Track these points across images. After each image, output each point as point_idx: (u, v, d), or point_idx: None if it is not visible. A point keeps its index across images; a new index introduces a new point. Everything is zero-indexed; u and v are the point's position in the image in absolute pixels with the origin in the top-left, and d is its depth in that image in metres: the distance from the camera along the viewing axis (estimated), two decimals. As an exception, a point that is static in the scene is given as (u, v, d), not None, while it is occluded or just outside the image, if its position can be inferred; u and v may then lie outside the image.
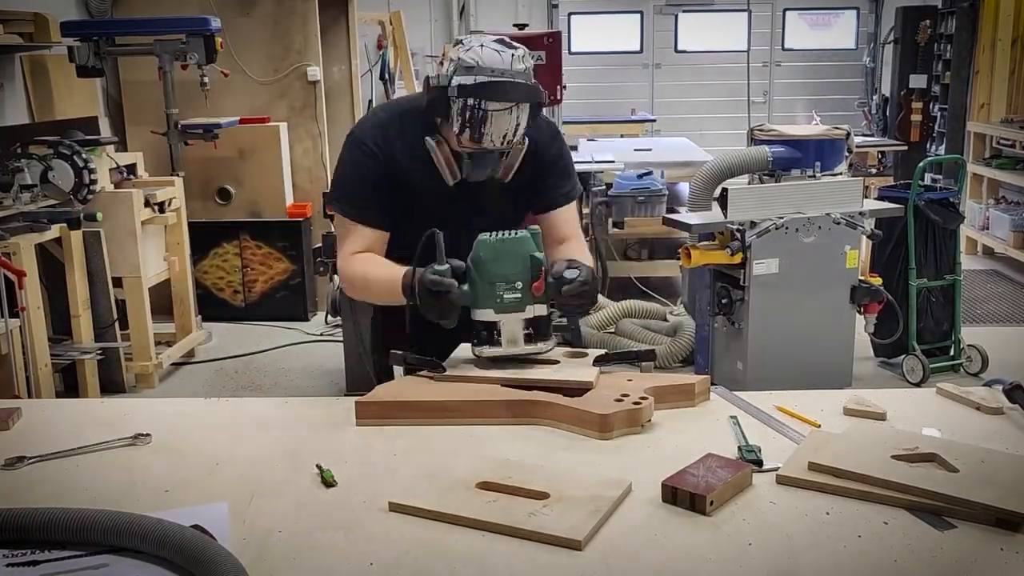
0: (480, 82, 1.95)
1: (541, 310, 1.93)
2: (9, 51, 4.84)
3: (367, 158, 2.13)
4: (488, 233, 1.94)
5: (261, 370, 5.10)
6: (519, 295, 1.90)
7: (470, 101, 1.95)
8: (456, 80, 1.96)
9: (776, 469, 1.52)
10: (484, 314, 1.92)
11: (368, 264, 2.14)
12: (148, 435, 1.72)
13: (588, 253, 2.28)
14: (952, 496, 1.38)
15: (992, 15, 7.80)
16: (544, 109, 2.19)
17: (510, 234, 1.93)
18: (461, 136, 2.01)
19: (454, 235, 1.98)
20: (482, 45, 1.99)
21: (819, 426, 1.72)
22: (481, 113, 1.96)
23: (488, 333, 1.93)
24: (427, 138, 2.07)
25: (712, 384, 1.92)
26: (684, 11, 10.32)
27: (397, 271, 2.01)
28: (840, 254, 4.03)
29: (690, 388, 1.85)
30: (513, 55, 2.00)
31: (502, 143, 2.02)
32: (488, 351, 1.93)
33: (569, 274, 1.89)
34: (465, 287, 1.91)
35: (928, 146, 8.85)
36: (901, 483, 1.42)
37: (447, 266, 1.92)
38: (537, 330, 1.94)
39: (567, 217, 2.29)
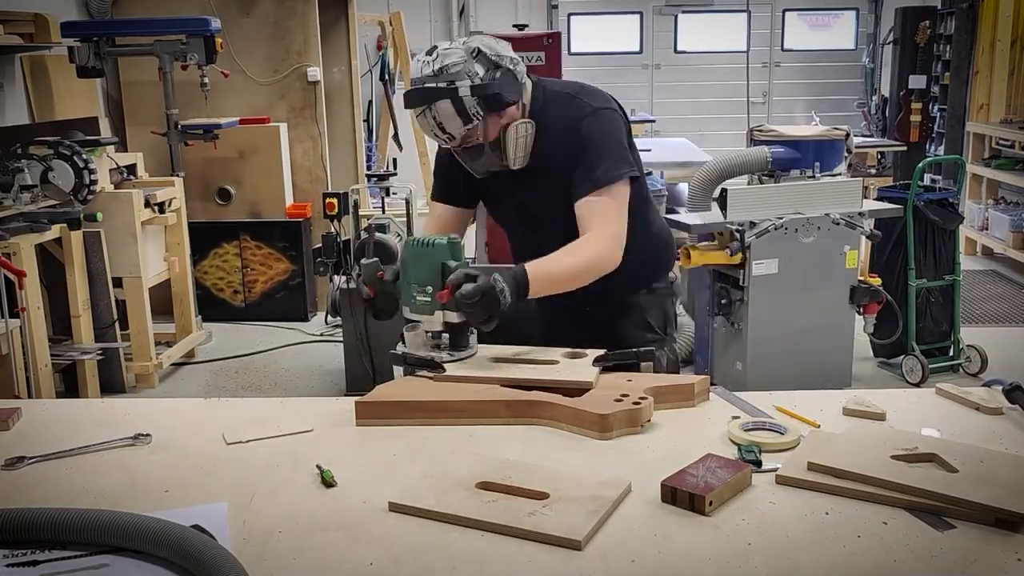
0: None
1: (453, 318, 1.97)
2: (9, 51, 4.84)
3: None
4: (414, 237, 2.06)
5: (261, 370, 5.10)
6: (428, 299, 1.98)
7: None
8: None
9: (776, 469, 1.52)
10: (406, 311, 2.05)
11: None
12: (148, 435, 1.73)
13: (596, 249, 2.13)
14: (951, 496, 1.38)
15: (991, 16, 7.80)
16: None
17: (430, 240, 2.00)
18: None
19: (524, 221, 2.32)
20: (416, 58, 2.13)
21: (818, 426, 1.72)
22: (417, 120, 2.12)
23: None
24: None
25: (712, 384, 1.92)
26: (684, 12, 10.32)
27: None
28: (839, 254, 4.04)
29: (689, 388, 1.85)
30: (423, 61, 2.07)
31: (444, 141, 2.13)
32: (399, 348, 2.06)
33: (466, 287, 1.91)
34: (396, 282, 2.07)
35: (927, 146, 8.85)
36: (900, 483, 1.42)
37: (375, 260, 2.16)
38: (453, 339, 2.01)
39: (587, 210, 2.15)
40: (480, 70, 2.06)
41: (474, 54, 2.07)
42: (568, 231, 2.15)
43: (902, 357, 4.67)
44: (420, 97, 2.06)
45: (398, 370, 1.98)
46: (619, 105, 2.28)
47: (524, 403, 1.78)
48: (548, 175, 2.20)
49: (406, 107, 2.12)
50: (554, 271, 2.08)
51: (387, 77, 8.02)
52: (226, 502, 1.43)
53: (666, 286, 2.45)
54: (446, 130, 2.08)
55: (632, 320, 2.34)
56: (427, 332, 2.02)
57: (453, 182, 2.33)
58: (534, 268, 2.04)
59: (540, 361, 1.95)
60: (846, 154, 4.52)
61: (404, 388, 1.89)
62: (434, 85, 2.04)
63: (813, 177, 4.30)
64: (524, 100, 2.19)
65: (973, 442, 1.61)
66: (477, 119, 2.07)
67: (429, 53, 2.08)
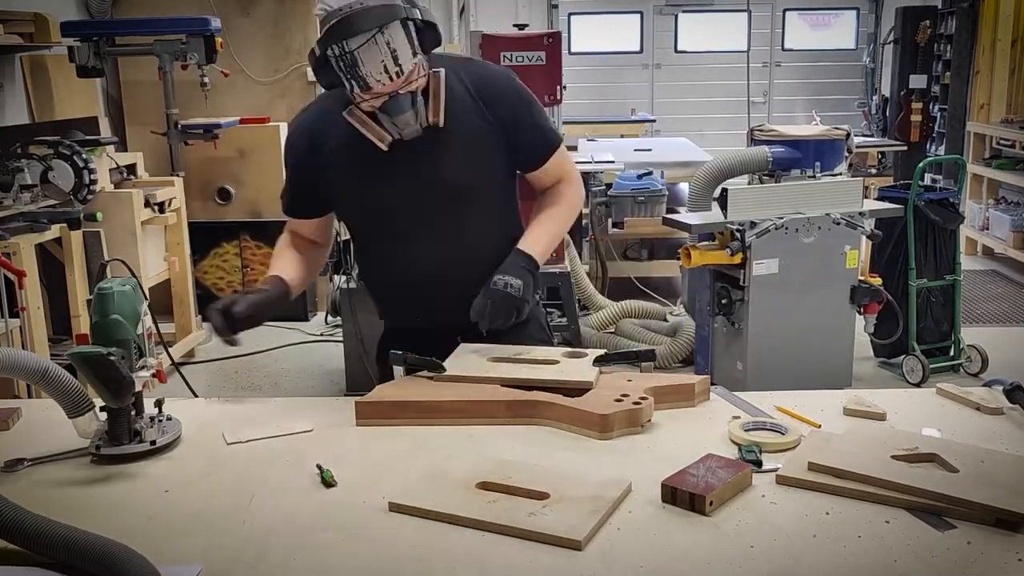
0: (329, 27, 1.82)
1: None
2: (9, 51, 4.84)
3: (292, 156, 2.24)
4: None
5: (261, 370, 5.10)
6: None
7: (335, 51, 1.83)
8: (320, 42, 1.86)
9: (776, 469, 1.52)
10: None
11: (278, 251, 2.33)
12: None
13: (579, 187, 2.23)
14: (952, 496, 1.38)
15: (992, 15, 7.80)
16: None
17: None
18: (355, 93, 1.90)
19: (434, 197, 2.05)
20: None
21: (819, 426, 1.72)
22: (349, 57, 1.83)
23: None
24: (344, 114, 1.98)
25: (712, 384, 1.92)
26: (684, 11, 10.33)
27: (273, 268, 2.20)
28: (840, 254, 4.03)
29: (690, 388, 1.85)
30: None
31: (391, 77, 1.85)
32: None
33: (476, 305, 1.98)
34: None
35: (928, 146, 8.85)
36: (901, 483, 1.42)
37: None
38: None
39: (556, 163, 2.16)
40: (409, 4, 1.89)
41: None
42: (491, 202, 2.13)
43: (903, 357, 4.67)
44: (373, 19, 1.80)
45: (398, 370, 1.96)
46: None
47: (524, 403, 1.78)
48: (461, 135, 2.04)
49: (350, 35, 1.80)
50: (552, 236, 2.14)
51: (387, 77, 8.02)
52: (201, 565, 1.29)
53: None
54: (398, 60, 1.83)
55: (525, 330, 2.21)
56: None
57: (312, 193, 2.26)
58: (533, 244, 2.08)
59: (540, 361, 1.95)
60: (846, 154, 4.52)
61: (404, 388, 1.88)
62: (388, 3, 1.82)
63: (813, 177, 4.30)
64: None
65: (973, 442, 1.61)
66: (420, 54, 1.89)
67: None
